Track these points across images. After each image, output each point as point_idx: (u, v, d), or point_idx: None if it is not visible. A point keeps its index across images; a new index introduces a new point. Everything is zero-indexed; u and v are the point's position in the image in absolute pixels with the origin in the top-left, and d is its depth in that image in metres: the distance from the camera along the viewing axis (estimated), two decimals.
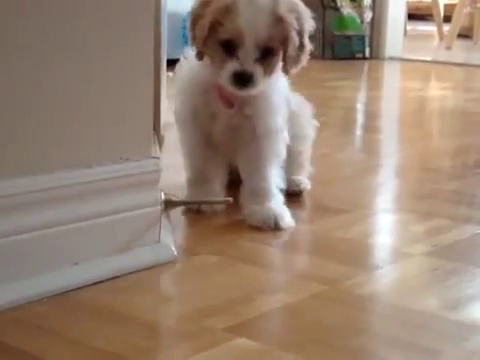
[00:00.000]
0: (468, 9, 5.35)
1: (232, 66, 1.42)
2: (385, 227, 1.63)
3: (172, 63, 1.66)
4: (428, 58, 4.68)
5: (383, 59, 4.55)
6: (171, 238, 1.37)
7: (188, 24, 1.47)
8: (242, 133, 1.54)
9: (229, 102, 1.51)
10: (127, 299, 1.17)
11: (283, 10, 1.43)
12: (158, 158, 1.33)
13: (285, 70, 1.49)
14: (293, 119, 1.64)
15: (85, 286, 1.19)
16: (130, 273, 1.25)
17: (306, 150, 1.75)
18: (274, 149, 1.55)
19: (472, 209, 1.73)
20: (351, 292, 1.23)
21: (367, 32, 4.52)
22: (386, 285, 1.29)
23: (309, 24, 1.49)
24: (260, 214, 1.51)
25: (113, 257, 1.25)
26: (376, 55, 4.57)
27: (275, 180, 1.56)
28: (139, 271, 1.26)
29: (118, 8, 1.22)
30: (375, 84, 3.98)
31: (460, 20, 5.19)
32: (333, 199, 1.73)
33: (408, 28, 5.85)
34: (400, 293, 1.24)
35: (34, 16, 1.12)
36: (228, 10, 1.41)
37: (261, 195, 1.53)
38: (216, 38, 1.44)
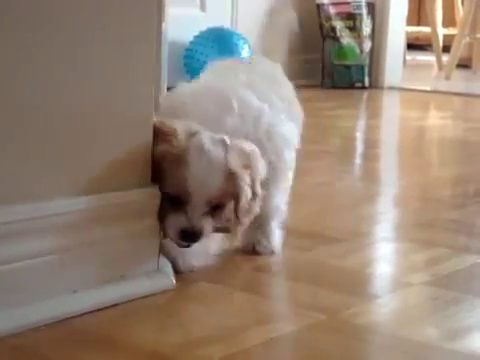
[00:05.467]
0: (467, 39, 5.35)
1: (179, 222, 1.31)
2: (384, 256, 1.63)
3: None
4: (427, 88, 4.69)
5: (382, 88, 4.56)
6: (170, 266, 1.36)
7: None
8: None
9: None
10: (125, 327, 1.16)
11: (236, 165, 1.31)
12: (157, 186, 1.33)
13: (236, 222, 1.36)
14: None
15: (84, 314, 1.19)
16: (129, 301, 1.25)
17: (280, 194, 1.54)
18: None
19: (472, 238, 1.73)
20: (350, 322, 1.22)
21: (366, 62, 4.53)
22: (385, 315, 1.28)
23: (261, 171, 1.36)
24: (245, 236, 1.48)
25: (112, 285, 1.25)
26: (375, 84, 4.58)
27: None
28: (138, 299, 1.26)
29: (118, 36, 1.22)
30: (374, 113, 3.99)
31: (459, 50, 5.20)
32: (332, 228, 1.73)
33: (407, 58, 5.86)
34: (399, 323, 1.24)
35: (28, 46, 1.12)
36: (178, 160, 1.29)
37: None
38: (162, 186, 1.31)
